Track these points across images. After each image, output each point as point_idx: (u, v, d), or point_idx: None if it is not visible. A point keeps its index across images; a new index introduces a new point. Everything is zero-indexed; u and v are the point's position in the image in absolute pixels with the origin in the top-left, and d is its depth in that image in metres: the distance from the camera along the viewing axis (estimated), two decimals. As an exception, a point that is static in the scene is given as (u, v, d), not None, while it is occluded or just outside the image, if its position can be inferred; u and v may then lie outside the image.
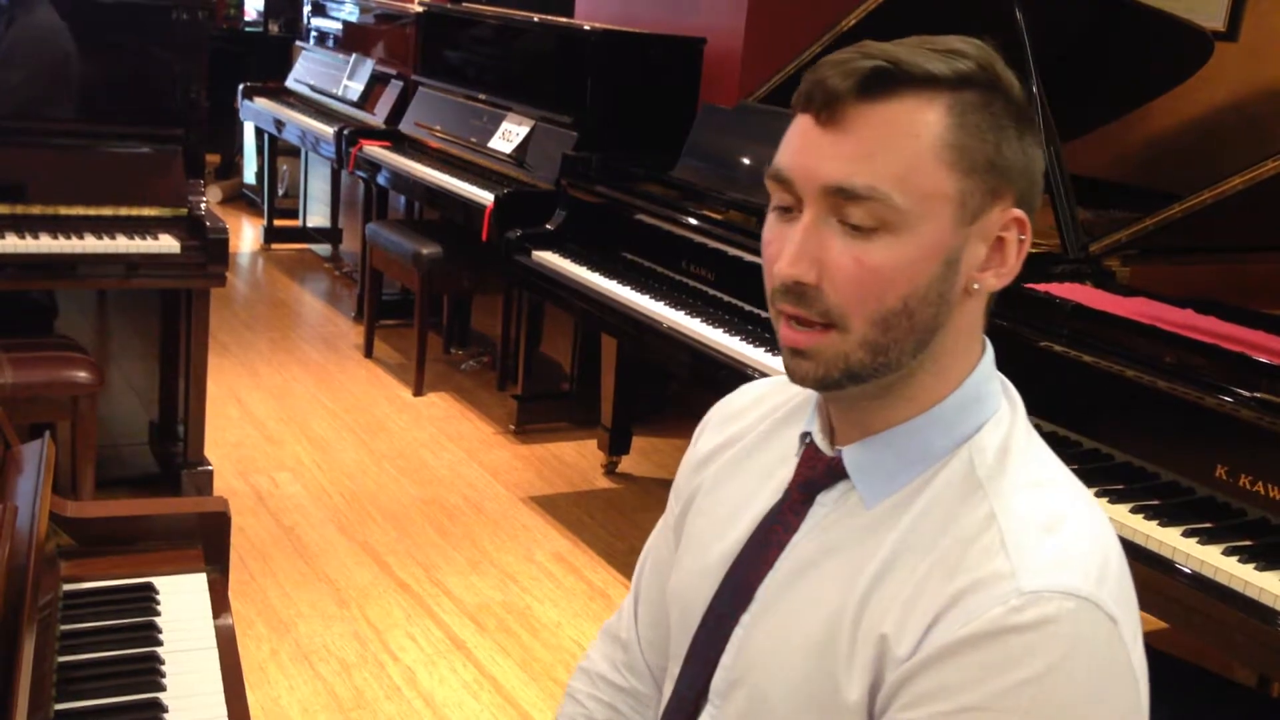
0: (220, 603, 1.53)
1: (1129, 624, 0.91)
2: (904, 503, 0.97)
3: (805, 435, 1.06)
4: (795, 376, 0.98)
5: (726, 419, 1.19)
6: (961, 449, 0.98)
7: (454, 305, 5.16)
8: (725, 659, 1.04)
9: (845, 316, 0.93)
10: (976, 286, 0.96)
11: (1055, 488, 0.97)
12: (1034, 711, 0.86)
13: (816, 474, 1.03)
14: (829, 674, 0.96)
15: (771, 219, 0.99)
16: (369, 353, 5.00)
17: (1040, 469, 0.98)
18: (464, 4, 5.54)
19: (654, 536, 1.26)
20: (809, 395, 1.11)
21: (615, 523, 3.67)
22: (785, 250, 0.94)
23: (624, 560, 3.42)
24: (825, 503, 1.02)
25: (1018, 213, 0.96)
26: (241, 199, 7.51)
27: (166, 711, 1.30)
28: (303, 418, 4.27)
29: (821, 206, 0.93)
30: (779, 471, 1.08)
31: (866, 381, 0.96)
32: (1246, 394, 1.91)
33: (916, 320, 0.94)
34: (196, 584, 1.56)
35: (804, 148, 0.94)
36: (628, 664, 1.24)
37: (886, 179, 0.91)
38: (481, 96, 4.75)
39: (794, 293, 0.94)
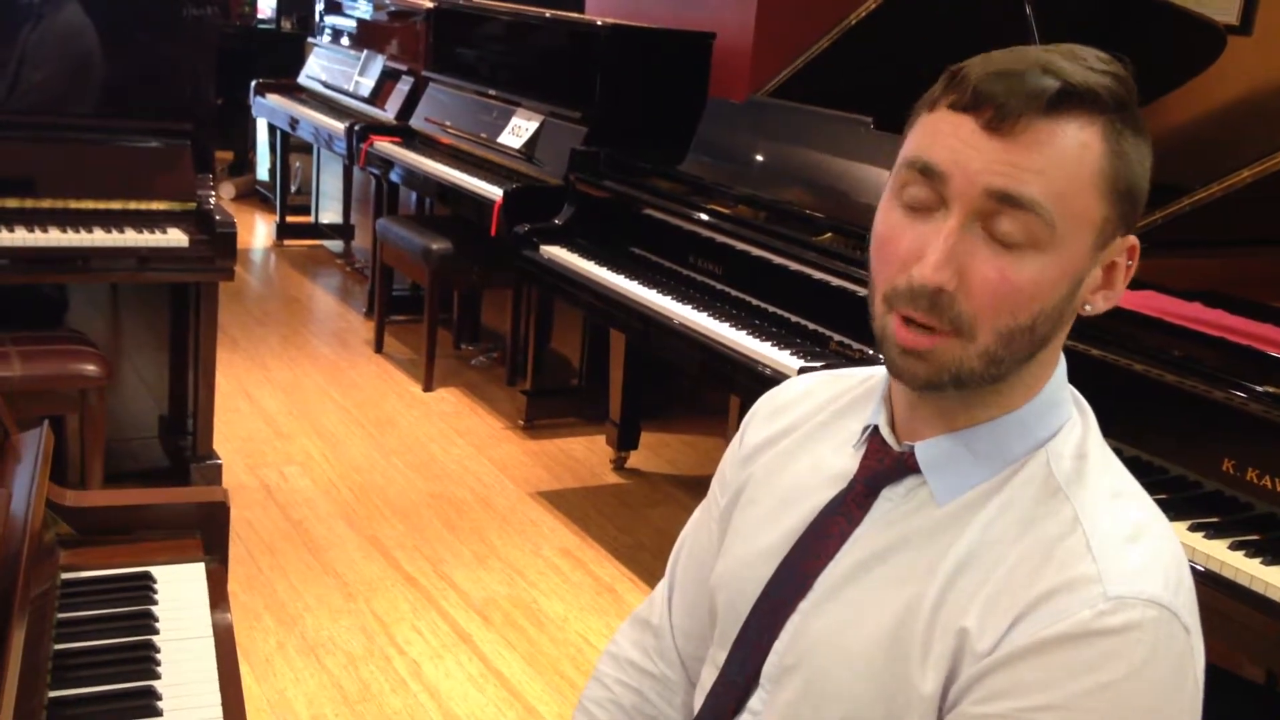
0: (218, 592, 1.53)
1: (1198, 636, 0.94)
2: (978, 501, 0.98)
3: (868, 428, 1.06)
4: (904, 375, 0.97)
5: (774, 412, 1.19)
6: (1038, 452, 0.99)
7: (464, 301, 5.16)
8: (779, 645, 1.04)
9: (974, 327, 0.93)
10: (1088, 308, 0.98)
11: (1133, 499, 0.98)
12: (1111, 714, 0.88)
13: (884, 468, 1.03)
14: (900, 665, 0.96)
15: (897, 212, 0.96)
16: (379, 348, 5.00)
17: (1118, 479, 1.00)
18: (475, 0, 5.54)
19: (692, 525, 1.27)
20: (869, 389, 1.12)
21: (623, 518, 3.67)
22: (930, 255, 0.92)
23: (631, 555, 3.41)
24: (891, 497, 1.03)
25: (1133, 240, 0.98)
26: (255, 195, 7.52)
27: (160, 699, 1.30)
28: (312, 412, 4.28)
29: (972, 211, 0.92)
30: (834, 463, 1.08)
31: (969, 387, 0.96)
32: (1255, 388, 1.90)
33: (1036, 336, 0.95)
34: (194, 573, 1.56)
35: (965, 148, 0.92)
36: (658, 650, 1.25)
37: (1051, 196, 0.90)
38: (491, 92, 4.74)
39: (928, 298, 0.93)
